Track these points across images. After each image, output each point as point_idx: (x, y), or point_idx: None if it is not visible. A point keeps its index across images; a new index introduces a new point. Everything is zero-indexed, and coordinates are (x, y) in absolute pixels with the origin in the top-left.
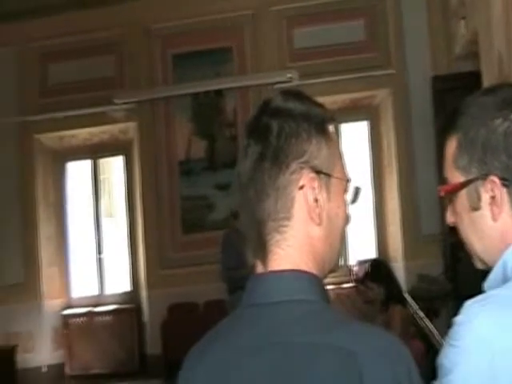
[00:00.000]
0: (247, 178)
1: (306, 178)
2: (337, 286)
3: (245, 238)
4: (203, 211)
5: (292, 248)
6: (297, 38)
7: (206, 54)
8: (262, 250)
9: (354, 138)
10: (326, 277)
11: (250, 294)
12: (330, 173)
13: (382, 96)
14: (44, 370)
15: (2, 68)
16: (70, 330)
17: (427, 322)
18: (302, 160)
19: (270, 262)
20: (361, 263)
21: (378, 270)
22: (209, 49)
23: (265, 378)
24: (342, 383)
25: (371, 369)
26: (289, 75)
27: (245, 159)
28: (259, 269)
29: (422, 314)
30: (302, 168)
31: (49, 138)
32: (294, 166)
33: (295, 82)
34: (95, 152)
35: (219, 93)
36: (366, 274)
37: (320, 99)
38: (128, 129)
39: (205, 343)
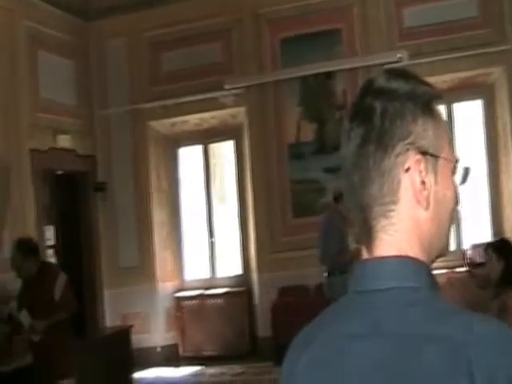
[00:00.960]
0: (351, 162)
1: (412, 159)
2: (450, 270)
3: (348, 221)
4: (313, 195)
5: (399, 233)
6: (406, 16)
7: (315, 37)
8: (368, 235)
9: (468, 117)
10: (433, 262)
11: (355, 281)
12: (437, 154)
13: (497, 73)
14: (158, 350)
15: (115, 58)
16: (183, 312)
17: None
18: (408, 141)
19: (375, 247)
20: (475, 247)
21: (504, 245)
22: (317, 31)
23: (369, 367)
24: (450, 374)
25: (481, 359)
26: (398, 55)
27: (348, 143)
28: (364, 255)
29: None
30: (407, 150)
31: (161, 125)
32: (399, 148)
33: (405, 62)
34: (206, 137)
35: (328, 75)
36: (489, 245)
37: (431, 79)
38: (238, 114)
39: (309, 331)
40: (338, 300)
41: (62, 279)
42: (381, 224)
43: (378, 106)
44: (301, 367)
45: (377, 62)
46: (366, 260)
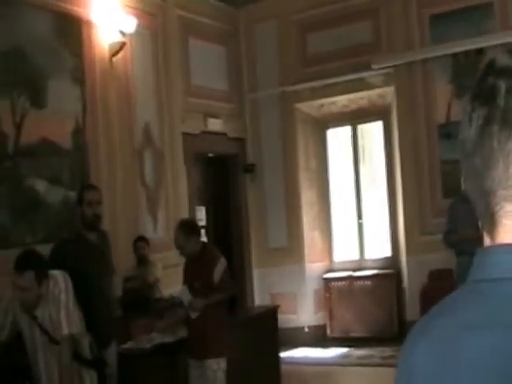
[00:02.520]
0: (472, 144)
1: None
2: None
3: (471, 204)
4: None
5: None
6: None
7: (465, 12)
8: (490, 221)
9: None
10: None
11: (476, 269)
12: None
13: None
14: (306, 330)
15: (264, 42)
16: (331, 293)
17: None
18: None
19: (498, 234)
20: None
21: None
22: (467, 6)
23: (483, 358)
24: None
25: None
26: None
27: (469, 125)
28: (486, 242)
29: None
30: None
31: (309, 106)
32: None
33: None
34: (354, 118)
35: (480, 52)
36: None
37: None
38: (386, 93)
39: (427, 320)
40: (458, 285)
41: (222, 263)
42: (505, 209)
43: (502, 85)
44: (416, 357)
45: None
46: (487, 248)
